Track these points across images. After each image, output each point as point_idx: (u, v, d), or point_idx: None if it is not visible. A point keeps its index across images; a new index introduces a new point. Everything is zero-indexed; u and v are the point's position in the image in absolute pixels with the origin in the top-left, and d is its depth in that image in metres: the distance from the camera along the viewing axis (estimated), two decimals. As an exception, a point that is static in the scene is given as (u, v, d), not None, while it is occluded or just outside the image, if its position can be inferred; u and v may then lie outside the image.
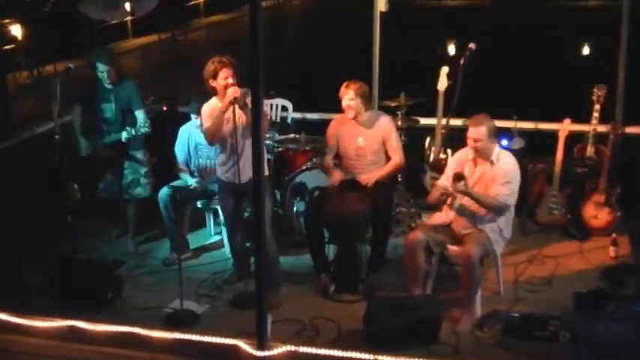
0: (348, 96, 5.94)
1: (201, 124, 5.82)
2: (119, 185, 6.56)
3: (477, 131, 5.32)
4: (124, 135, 6.27)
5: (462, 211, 5.47)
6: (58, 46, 13.15)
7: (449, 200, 5.51)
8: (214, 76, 5.52)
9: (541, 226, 6.64)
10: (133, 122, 6.33)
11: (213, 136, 5.62)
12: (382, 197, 5.96)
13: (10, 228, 6.42)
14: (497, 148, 5.44)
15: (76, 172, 6.03)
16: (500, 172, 5.34)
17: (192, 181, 6.44)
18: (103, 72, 6.30)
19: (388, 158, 6.10)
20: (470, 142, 5.39)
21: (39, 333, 5.22)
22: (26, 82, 13.54)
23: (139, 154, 6.53)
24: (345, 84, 5.99)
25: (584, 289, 5.21)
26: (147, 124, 6.31)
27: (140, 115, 6.35)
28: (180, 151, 6.56)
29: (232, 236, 5.99)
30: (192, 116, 6.43)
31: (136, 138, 6.33)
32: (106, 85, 6.36)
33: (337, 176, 6.03)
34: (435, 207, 5.74)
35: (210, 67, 5.54)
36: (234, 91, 5.37)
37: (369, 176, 5.98)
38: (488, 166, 5.41)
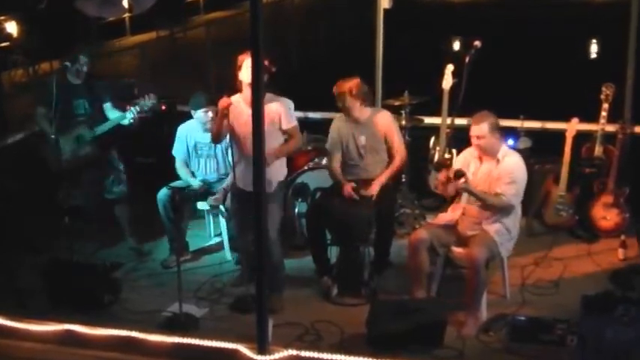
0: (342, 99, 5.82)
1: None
2: (97, 189, 6.39)
3: (479, 128, 5.34)
4: (129, 116, 6.12)
5: (469, 208, 5.42)
6: (54, 43, 13.06)
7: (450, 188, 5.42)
8: (239, 68, 5.37)
9: (548, 228, 6.57)
10: (105, 117, 6.21)
11: (216, 137, 5.57)
12: (386, 198, 5.88)
13: (6, 229, 6.34)
14: (504, 147, 5.43)
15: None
16: (506, 171, 5.32)
17: (195, 182, 6.31)
18: (83, 65, 6.15)
19: (390, 155, 6.01)
20: (473, 139, 5.41)
21: (35, 337, 5.16)
22: (22, 80, 13.48)
23: (115, 152, 6.43)
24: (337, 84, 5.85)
25: (592, 292, 5.14)
26: (132, 114, 6.13)
27: (109, 106, 6.19)
28: (179, 150, 6.44)
29: (242, 238, 5.81)
30: (193, 112, 6.31)
31: (137, 116, 6.16)
32: (73, 82, 6.18)
33: (349, 189, 5.86)
34: (439, 208, 5.67)
35: (239, 59, 5.36)
36: (222, 102, 5.29)
37: (373, 187, 5.84)
38: (494, 165, 5.39)
